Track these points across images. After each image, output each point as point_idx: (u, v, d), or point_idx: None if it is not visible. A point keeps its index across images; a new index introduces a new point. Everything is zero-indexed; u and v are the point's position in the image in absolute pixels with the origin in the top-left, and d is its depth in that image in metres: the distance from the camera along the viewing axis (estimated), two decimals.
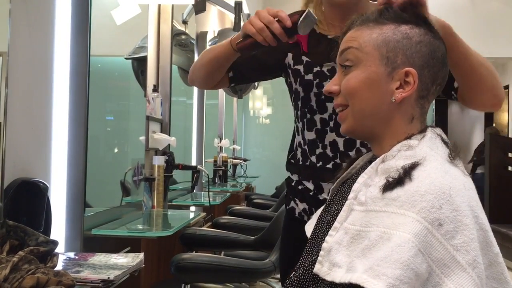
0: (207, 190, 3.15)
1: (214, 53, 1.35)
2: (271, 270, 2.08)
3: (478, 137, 9.12)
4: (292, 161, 1.45)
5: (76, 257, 1.38)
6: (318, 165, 1.36)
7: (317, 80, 1.35)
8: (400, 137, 0.92)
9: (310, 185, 1.38)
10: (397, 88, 0.91)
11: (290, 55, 1.41)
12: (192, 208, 3.24)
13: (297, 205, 1.41)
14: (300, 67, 1.38)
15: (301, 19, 1.15)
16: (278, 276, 3.48)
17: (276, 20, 1.15)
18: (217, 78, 1.41)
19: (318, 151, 1.36)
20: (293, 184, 1.43)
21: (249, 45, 1.21)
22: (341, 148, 1.34)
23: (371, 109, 0.92)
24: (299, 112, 1.41)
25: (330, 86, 0.98)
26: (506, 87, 7.80)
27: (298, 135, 1.43)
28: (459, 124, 10.45)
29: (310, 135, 1.37)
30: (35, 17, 1.47)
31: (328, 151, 1.35)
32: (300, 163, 1.41)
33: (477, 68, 1.14)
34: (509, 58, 7.18)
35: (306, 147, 1.39)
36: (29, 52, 1.43)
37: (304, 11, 1.16)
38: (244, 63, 1.40)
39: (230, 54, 1.30)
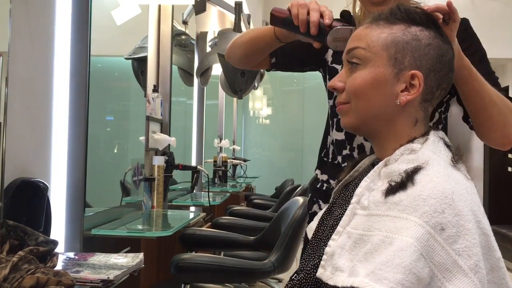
0: (207, 190, 3.15)
1: (254, 33, 1.28)
2: (270, 270, 2.08)
3: (478, 139, 9.09)
4: (325, 159, 1.41)
5: (76, 257, 1.38)
6: (343, 165, 1.33)
7: None
8: (403, 140, 0.91)
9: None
10: (402, 91, 0.90)
11: (330, 51, 1.36)
12: (192, 208, 3.24)
13: (319, 207, 1.40)
14: (338, 68, 1.34)
15: (337, 28, 1.07)
16: (278, 276, 3.48)
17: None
18: (255, 61, 1.34)
19: (345, 152, 1.33)
20: (318, 186, 1.41)
21: (282, 18, 1.14)
22: (368, 153, 1.32)
23: (376, 110, 0.92)
24: (329, 111, 1.38)
25: (335, 82, 0.96)
26: (506, 88, 7.80)
27: (332, 132, 1.39)
28: (459, 125, 10.44)
29: (339, 136, 1.35)
30: (36, 17, 1.46)
31: (355, 153, 1.32)
32: (329, 161, 1.39)
33: (488, 107, 1.11)
34: (509, 59, 7.17)
35: (334, 146, 1.37)
36: (29, 52, 1.43)
37: (351, 28, 1.07)
38: (288, 50, 1.34)
39: (270, 38, 1.23)
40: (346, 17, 1.35)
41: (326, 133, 1.44)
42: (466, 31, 1.26)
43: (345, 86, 0.95)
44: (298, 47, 1.32)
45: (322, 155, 1.44)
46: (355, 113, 0.94)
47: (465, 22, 1.27)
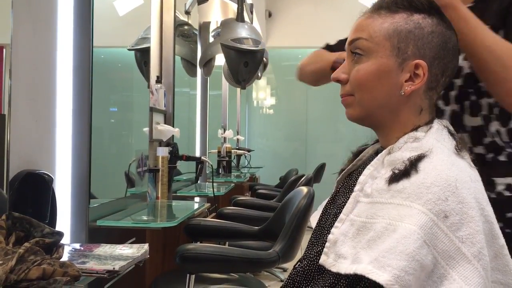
0: (211, 181, 3.15)
1: (315, 67, 1.42)
2: (275, 260, 2.08)
3: None
4: None
5: (82, 248, 1.38)
6: None
7: None
8: (407, 129, 0.91)
9: None
10: (406, 81, 0.89)
11: None
12: (197, 199, 3.24)
13: None
14: None
15: None
16: (283, 266, 3.49)
17: None
18: (324, 82, 1.47)
19: None
20: None
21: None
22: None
23: (380, 101, 0.92)
24: None
25: (338, 73, 0.96)
26: None
27: None
28: None
29: None
30: (38, 8, 1.46)
31: None
32: None
33: (483, 53, 1.01)
34: None
35: None
36: (32, 43, 1.43)
37: None
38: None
39: (328, 72, 1.32)
40: None
41: None
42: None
43: (348, 78, 0.94)
44: None
45: None
46: (359, 105, 0.94)
47: None
